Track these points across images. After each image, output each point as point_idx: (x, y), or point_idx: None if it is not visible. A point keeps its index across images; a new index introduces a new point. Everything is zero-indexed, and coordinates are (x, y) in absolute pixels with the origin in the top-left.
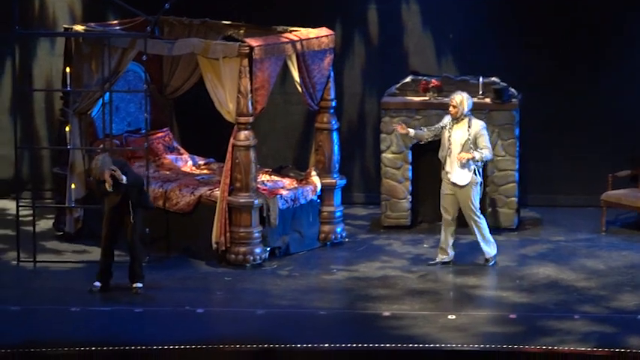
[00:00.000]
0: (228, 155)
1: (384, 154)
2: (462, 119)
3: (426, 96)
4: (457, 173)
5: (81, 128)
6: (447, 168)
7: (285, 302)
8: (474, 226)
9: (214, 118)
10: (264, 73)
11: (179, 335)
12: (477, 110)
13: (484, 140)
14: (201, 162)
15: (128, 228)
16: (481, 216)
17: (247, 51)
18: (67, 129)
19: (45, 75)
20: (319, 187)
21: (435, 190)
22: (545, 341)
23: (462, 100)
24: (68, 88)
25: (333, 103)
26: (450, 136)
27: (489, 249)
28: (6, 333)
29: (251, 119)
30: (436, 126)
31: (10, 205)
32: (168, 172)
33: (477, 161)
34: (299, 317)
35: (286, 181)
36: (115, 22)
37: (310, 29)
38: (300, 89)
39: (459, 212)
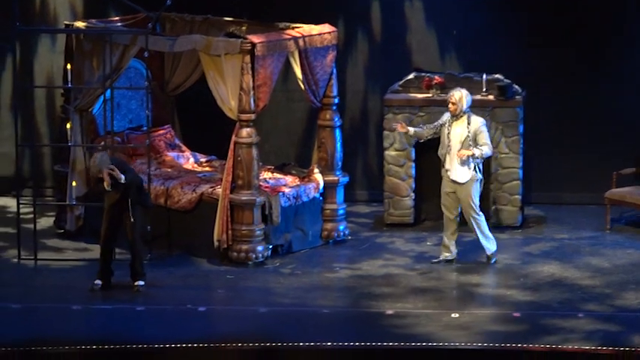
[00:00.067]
0: (230, 152)
1: (387, 152)
2: (462, 116)
3: (429, 93)
4: (457, 170)
5: (82, 125)
6: (447, 165)
7: (288, 300)
8: (473, 224)
9: (216, 115)
10: (267, 70)
11: (181, 334)
12: (480, 107)
13: (484, 137)
14: (203, 159)
15: (128, 226)
16: (480, 213)
17: (249, 48)
18: (68, 126)
19: (46, 72)
20: (322, 184)
21: (438, 187)
22: (549, 340)
23: (461, 96)
24: (69, 85)
25: (336, 100)
26: (449, 134)
27: (490, 245)
28: (7, 331)
29: (253, 116)
30: (435, 123)
31: (10, 202)
32: (169, 170)
33: (477, 158)
34: (302, 315)
35: (289, 179)
36: (117, 18)
37: (313, 26)
38: (302, 86)
39: (460, 210)
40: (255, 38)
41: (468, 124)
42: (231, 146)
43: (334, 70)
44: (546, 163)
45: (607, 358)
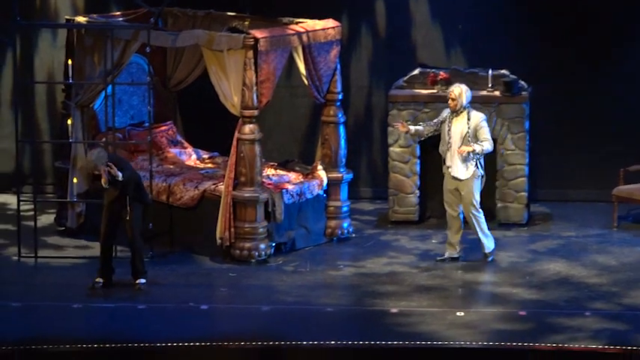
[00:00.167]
0: (233, 149)
1: (391, 148)
2: (462, 112)
3: (434, 89)
4: (458, 167)
5: (83, 121)
6: (448, 162)
7: (291, 299)
8: (473, 221)
9: (219, 111)
10: (270, 66)
11: (183, 332)
12: (486, 103)
13: (484, 132)
14: (206, 156)
15: (127, 223)
16: (480, 210)
17: (252, 43)
18: (69, 122)
19: (46, 67)
20: (325, 181)
21: (443, 184)
22: (555, 339)
23: (460, 92)
24: (70, 81)
25: (340, 96)
26: (449, 130)
27: (489, 243)
28: (7, 330)
29: (256, 112)
30: (435, 120)
31: (11, 199)
32: (171, 166)
33: (478, 154)
34: (305, 314)
35: (292, 176)
36: (118, 13)
37: (316, 21)
38: (306, 82)
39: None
40: (258, 33)
41: (468, 119)
42: (234, 142)
43: (338, 66)
44: (553, 160)
45: (614, 357)
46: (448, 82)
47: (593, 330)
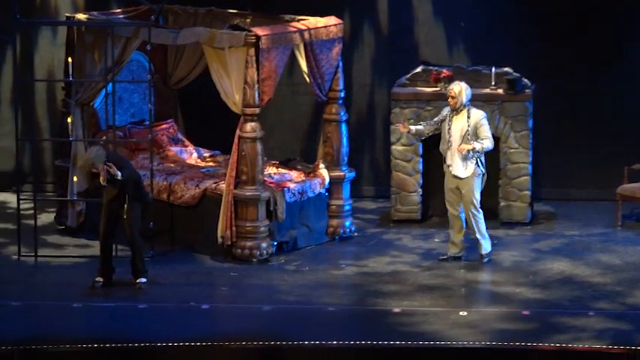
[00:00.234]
0: (234, 147)
1: (394, 146)
2: (462, 110)
3: (437, 86)
4: (459, 166)
5: (83, 119)
6: (449, 161)
7: (293, 298)
8: (472, 220)
9: (220, 109)
10: (271, 63)
11: (183, 332)
12: (489, 101)
13: (485, 130)
14: (207, 154)
15: (125, 222)
16: (480, 210)
17: (254, 40)
18: (69, 120)
19: (46, 65)
20: (327, 180)
21: None
22: (559, 338)
23: (460, 90)
24: (70, 79)
25: (342, 94)
26: (449, 128)
27: (486, 245)
28: (6, 329)
29: (257, 110)
30: (435, 119)
31: (10, 198)
32: (172, 165)
33: (478, 152)
34: (307, 313)
35: (294, 174)
36: (119, 10)
37: (318, 18)
38: (308, 80)
39: None
40: (259, 31)
41: (468, 117)
42: (235, 141)
43: (340, 64)
44: (556, 159)
45: (618, 357)
46: (451, 80)
47: (596, 330)
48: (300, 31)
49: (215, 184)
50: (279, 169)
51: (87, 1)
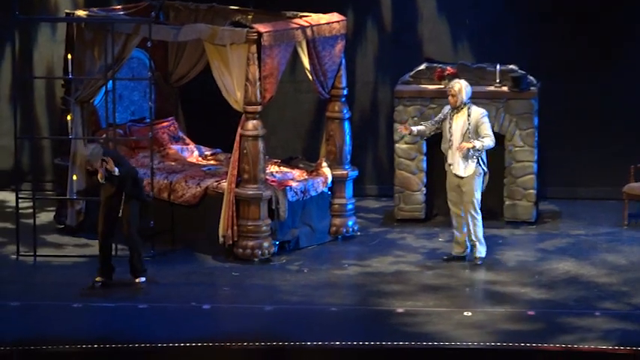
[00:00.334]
0: (236, 145)
1: (397, 145)
2: (462, 108)
3: (441, 84)
4: (460, 164)
5: (83, 117)
6: (450, 160)
7: (295, 298)
8: (470, 222)
9: (221, 106)
10: (273, 61)
11: (184, 332)
12: (494, 99)
13: (485, 128)
14: (208, 152)
15: (123, 220)
16: (479, 212)
17: (255, 37)
18: (69, 118)
19: (46, 62)
20: (330, 178)
21: None
22: (564, 339)
23: (460, 88)
24: (70, 76)
25: (345, 92)
26: (450, 127)
27: (482, 250)
28: (6, 330)
29: (259, 108)
30: (435, 118)
31: (9, 197)
32: (173, 163)
33: (478, 150)
34: (309, 314)
35: (296, 173)
36: (119, 7)
37: (321, 15)
38: (310, 77)
39: None
40: (261, 27)
41: (469, 115)
42: (237, 139)
43: (343, 61)
44: (562, 157)
45: (625, 358)
46: (455, 77)
47: (603, 330)
48: (303, 28)
49: (216, 183)
50: (281, 167)
51: None
